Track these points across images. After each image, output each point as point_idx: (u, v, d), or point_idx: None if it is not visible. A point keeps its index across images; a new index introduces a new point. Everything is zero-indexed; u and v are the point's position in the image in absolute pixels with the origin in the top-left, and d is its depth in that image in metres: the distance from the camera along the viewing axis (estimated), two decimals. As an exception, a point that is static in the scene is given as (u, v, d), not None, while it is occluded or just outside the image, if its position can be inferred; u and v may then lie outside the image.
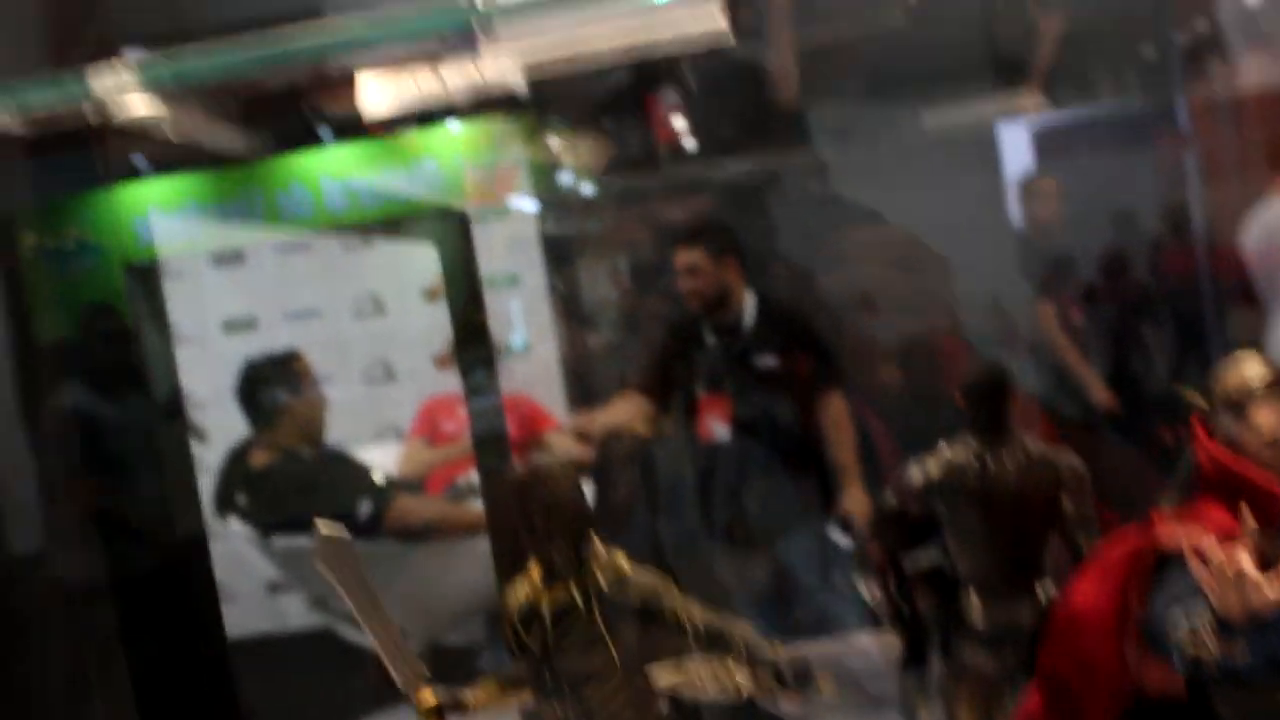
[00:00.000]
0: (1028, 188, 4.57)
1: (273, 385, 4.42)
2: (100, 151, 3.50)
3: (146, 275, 3.90)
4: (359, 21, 1.57)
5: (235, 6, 3.74)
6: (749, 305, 4.14)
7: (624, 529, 4.20)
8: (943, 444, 2.21)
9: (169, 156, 3.68)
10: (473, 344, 3.81)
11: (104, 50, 3.59)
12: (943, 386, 4.19)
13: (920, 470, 2.22)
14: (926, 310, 4.18)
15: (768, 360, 4.15)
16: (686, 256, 4.14)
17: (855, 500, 4.07)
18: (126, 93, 1.52)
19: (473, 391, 3.82)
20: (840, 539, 4.08)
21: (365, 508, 4.30)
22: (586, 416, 4.41)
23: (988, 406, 2.17)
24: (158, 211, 3.82)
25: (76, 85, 1.46)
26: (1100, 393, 4.35)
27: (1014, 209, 4.62)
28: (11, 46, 3.48)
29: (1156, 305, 4.36)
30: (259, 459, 4.41)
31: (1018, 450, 2.16)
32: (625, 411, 4.29)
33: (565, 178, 4.15)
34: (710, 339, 4.19)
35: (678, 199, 4.38)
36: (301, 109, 3.90)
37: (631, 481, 4.25)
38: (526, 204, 4.27)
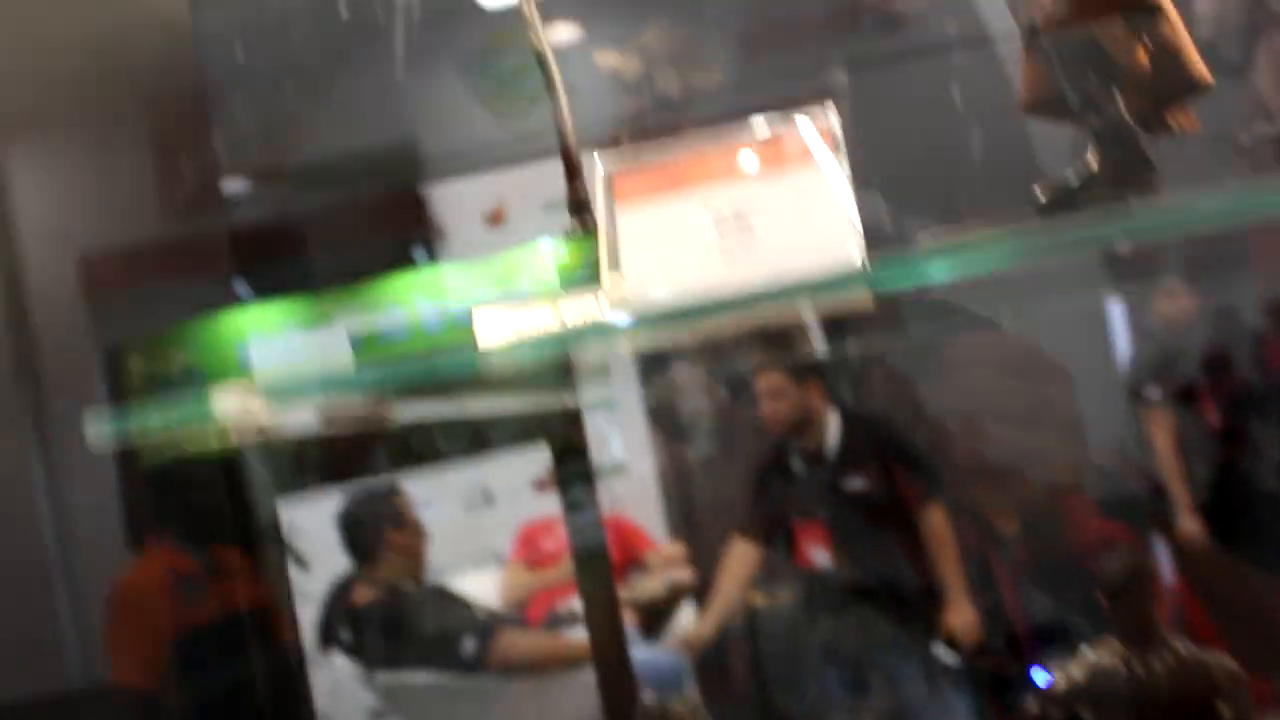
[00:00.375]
0: (1158, 288, 4.46)
1: (373, 521, 4.44)
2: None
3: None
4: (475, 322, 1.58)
5: (332, 138, 3.89)
6: (833, 427, 4.09)
7: (738, 700, 4.14)
8: (1084, 646, 2.14)
9: (269, 284, 3.79)
10: (571, 464, 3.81)
11: (209, 184, 3.74)
12: (1065, 548, 4.10)
13: (1063, 675, 2.14)
14: (1045, 425, 4.09)
15: (856, 482, 4.08)
16: (768, 379, 4.10)
17: (960, 616, 3.98)
18: (249, 411, 1.56)
19: (572, 512, 3.81)
20: (946, 657, 3.98)
21: (469, 645, 4.27)
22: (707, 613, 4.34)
23: (1133, 606, 2.06)
24: (259, 336, 3.92)
25: (200, 406, 1.51)
26: (1189, 522, 4.20)
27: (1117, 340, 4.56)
28: (124, 180, 3.64)
29: (1263, 402, 4.24)
30: (362, 596, 4.40)
31: (1167, 653, 2.01)
32: (739, 574, 4.21)
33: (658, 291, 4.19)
34: (797, 465, 4.13)
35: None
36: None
37: (746, 652, 4.20)
38: (619, 318, 4.31)
